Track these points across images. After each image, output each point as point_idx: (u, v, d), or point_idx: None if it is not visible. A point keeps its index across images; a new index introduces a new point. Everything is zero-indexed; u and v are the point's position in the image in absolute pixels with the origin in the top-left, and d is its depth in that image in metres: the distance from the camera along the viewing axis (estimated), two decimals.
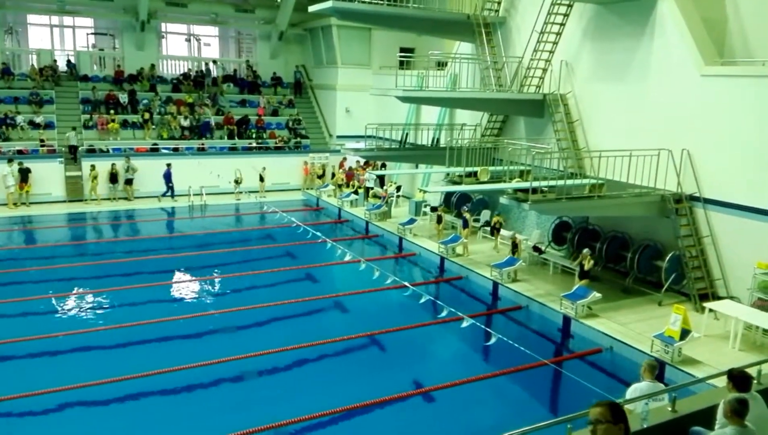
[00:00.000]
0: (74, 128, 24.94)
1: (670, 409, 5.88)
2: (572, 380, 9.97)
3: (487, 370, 11.21)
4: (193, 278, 16.16)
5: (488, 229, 19.08)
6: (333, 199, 25.07)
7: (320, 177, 27.57)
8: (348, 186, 25.81)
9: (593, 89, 16.67)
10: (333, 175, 27.47)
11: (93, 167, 23.74)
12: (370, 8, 18.56)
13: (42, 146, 23.98)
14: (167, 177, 24.49)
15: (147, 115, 26.60)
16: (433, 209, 21.44)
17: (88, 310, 13.67)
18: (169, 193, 24.72)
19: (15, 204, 22.63)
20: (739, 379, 5.80)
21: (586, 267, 14.01)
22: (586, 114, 16.88)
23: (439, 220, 19.36)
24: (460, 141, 19.31)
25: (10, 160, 22.39)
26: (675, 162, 14.05)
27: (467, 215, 18.31)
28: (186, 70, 30.52)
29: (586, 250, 14.35)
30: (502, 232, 18.18)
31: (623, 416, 4.06)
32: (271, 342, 11.78)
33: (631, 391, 7.52)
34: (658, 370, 7.81)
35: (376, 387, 10.28)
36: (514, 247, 16.01)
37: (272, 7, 29.88)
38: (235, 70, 31.99)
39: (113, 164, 24.11)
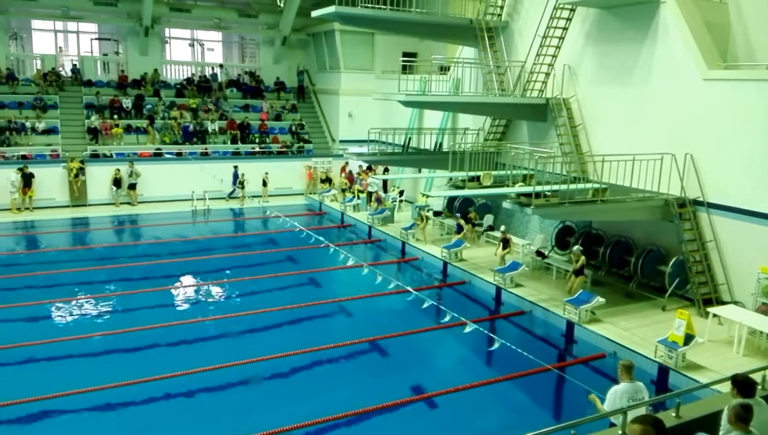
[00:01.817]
0: (94, 107, 25.70)
1: (674, 414, 5.84)
2: (576, 386, 9.94)
3: (491, 376, 11.17)
4: (197, 283, 16.18)
5: (456, 220, 19.54)
6: (336, 204, 25.09)
7: (324, 181, 27.56)
8: (350, 190, 25.84)
9: (596, 93, 16.65)
10: (330, 180, 27.56)
11: (74, 171, 23.70)
12: (373, 13, 18.60)
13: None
14: (235, 178, 25.51)
15: (147, 121, 26.71)
16: (437, 214, 21.46)
17: (92, 315, 13.68)
18: (236, 194, 25.76)
19: (19, 209, 22.71)
20: (743, 384, 5.76)
21: (577, 265, 13.99)
22: (589, 118, 16.87)
23: (423, 219, 19.64)
24: (463, 145, 19.30)
25: (19, 169, 22.46)
26: (678, 166, 14.01)
27: (461, 221, 18.59)
28: (190, 75, 30.64)
29: (576, 248, 14.32)
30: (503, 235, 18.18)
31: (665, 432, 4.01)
32: (273, 347, 11.76)
33: (611, 394, 7.46)
34: (635, 369, 7.73)
35: (378, 392, 10.25)
36: (505, 243, 15.93)
37: (275, 12, 29.96)
38: (239, 75, 32.09)
39: (117, 169, 24.21)
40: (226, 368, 10.83)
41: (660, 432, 3.97)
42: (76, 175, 23.63)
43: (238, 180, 25.69)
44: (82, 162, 23.88)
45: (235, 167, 25.76)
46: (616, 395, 7.36)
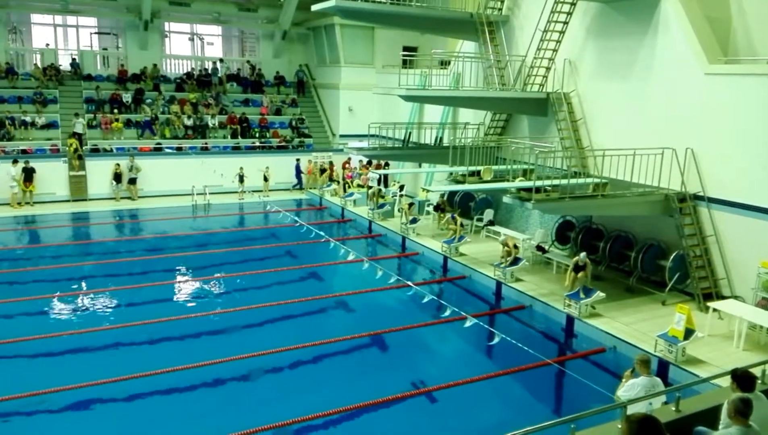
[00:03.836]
0: (77, 114, 25.14)
1: (674, 408, 5.85)
2: (576, 380, 9.95)
3: (491, 370, 11.20)
4: (197, 278, 16.17)
5: (433, 209, 20.51)
6: (336, 199, 25.08)
7: (322, 173, 27.52)
8: (346, 186, 25.87)
9: (597, 88, 16.63)
10: (324, 170, 27.54)
11: (72, 146, 23.56)
12: (373, 7, 18.55)
13: None
14: (297, 171, 27.20)
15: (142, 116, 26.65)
16: (436, 208, 21.43)
17: (92, 310, 13.70)
18: (297, 186, 27.51)
19: (19, 203, 22.70)
20: (743, 379, 5.78)
21: (588, 273, 13.86)
22: (589, 113, 16.84)
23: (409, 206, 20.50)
24: (464, 140, 19.27)
25: (15, 162, 22.44)
26: (679, 161, 14.00)
27: (453, 213, 18.83)
28: (189, 70, 30.58)
29: (583, 255, 14.00)
30: (507, 232, 18.18)
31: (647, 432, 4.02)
32: (274, 341, 11.77)
33: (629, 386, 7.52)
34: (651, 363, 7.81)
35: (379, 386, 10.28)
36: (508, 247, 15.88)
37: (275, 6, 29.87)
38: (238, 70, 32.02)
39: (117, 164, 24.18)
40: (227, 362, 10.85)
41: (638, 431, 3.95)
42: (75, 151, 23.47)
43: (300, 172, 27.19)
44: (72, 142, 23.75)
45: (297, 160, 27.16)
46: (634, 388, 7.46)
